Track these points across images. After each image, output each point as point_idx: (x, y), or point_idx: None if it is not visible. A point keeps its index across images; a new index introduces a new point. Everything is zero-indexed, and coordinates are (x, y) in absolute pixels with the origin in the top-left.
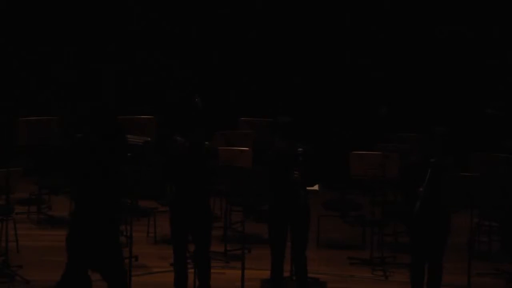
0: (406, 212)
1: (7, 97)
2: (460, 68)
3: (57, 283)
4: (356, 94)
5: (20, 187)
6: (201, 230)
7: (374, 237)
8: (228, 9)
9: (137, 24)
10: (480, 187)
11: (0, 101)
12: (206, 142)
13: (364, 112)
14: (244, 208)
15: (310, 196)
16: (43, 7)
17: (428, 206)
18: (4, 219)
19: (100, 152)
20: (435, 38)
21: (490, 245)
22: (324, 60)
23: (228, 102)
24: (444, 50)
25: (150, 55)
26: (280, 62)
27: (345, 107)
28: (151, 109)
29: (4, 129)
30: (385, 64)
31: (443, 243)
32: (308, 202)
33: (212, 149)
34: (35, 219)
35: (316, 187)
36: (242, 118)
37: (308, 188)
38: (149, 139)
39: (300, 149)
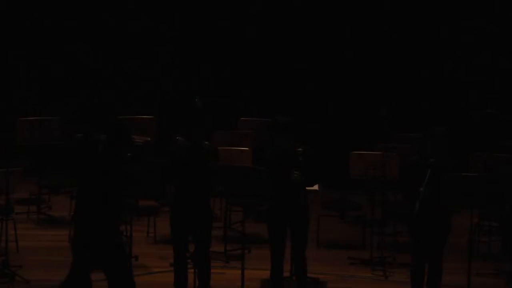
0: (406, 212)
1: (7, 97)
2: (460, 68)
3: (61, 283)
4: (356, 94)
5: (20, 187)
6: (201, 230)
7: (374, 237)
8: (228, 9)
9: (137, 24)
10: (480, 187)
11: (0, 101)
12: (206, 142)
13: (364, 112)
14: (244, 208)
15: (310, 196)
16: (43, 7)
17: (428, 206)
18: (4, 219)
19: (105, 152)
20: (435, 38)
21: (490, 245)
22: (324, 60)
23: (228, 102)
24: (444, 50)
25: (150, 55)
26: (280, 62)
27: (345, 107)
28: (151, 109)
29: (4, 129)
30: (385, 64)
31: (443, 243)
32: (307, 202)
33: (212, 149)
34: (35, 219)
35: (316, 187)
36: (242, 118)
37: (308, 188)
38: (149, 139)
39: (300, 149)
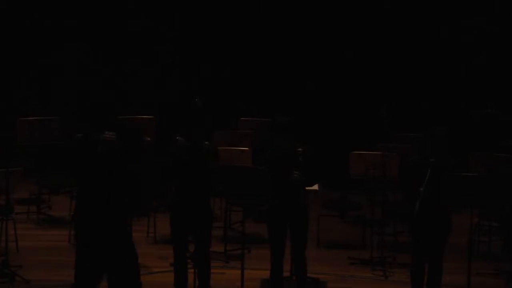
0: (406, 212)
1: (7, 97)
2: (460, 68)
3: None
4: (356, 94)
5: (20, 187)
6: (201, 230)
7: (374, 237)
8: (228, 9)
9: (137, 24)
10: (480, 187)
11: (0, 101)
12: (206, 142)
13: (364, 112)
14: (244, 208)
15: (310, 196)
16: (43, 7)
17: (428, 206)
18: (4, 219)
19: (109, 151)
20: (436, 38)
21: (490, 245)
22: (324, 60)
23: (228, 102)
24: (444, 50)
25: (150, 55)
26: (280, 62)
27: (345, 107)
28: (151, 109)
29: (4, 129)
30: (385, 64)
31: (443, 243)
32: (306, 202)
33: (212, 149)
34: (35, 219)
35: (316, 187)
36: (242, 118)
37: (308, 188)
38: (149, 139)
39: (300, 149)
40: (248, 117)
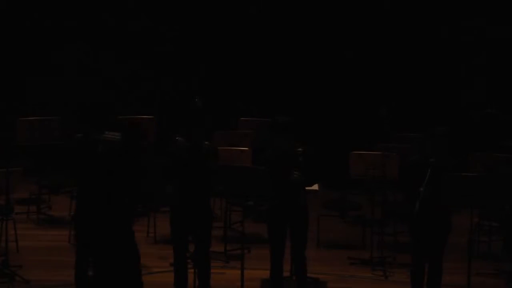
0: (406, 212)
1: (7, 97)
2: (460, 68)
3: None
4: (356, 94)
5: (20, 187)
6: (201, 230)
7: (374, 237)
8: (228, 9)
9: (137, 24)
10: (480, 187)
11: (0, 101)
12: (206, 142)
13: (364, 112)
14: (244, 208)
15: (310, 196)
16: (43, 7)
17: (428, 206)
18: (4, 219)
19: (110, 151)
20: (436, 38)
21: (490, 245)
22: (324, 59)
23: (228, 102)
24: (444, 50)
25: (150, 55)
26: (280, 62)
27: (345, 107)
28: (151, 109)
29: (4, 129)
30: (386, 64)
31: (443, 243)
32: (306, 202)
33: (212, 149)
34: (35, 219)
35: (316, 187)
36: (242, 118)
37: (308, 188)
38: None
39: (300, 149)
40: (248, 117)
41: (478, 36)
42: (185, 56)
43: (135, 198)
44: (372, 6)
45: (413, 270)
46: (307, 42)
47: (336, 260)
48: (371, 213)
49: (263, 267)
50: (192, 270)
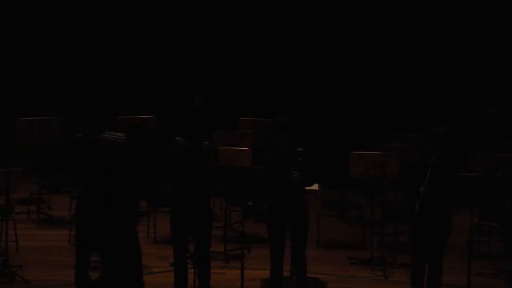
0: (406, 212)
1: (7, 97)
2: (460, 68)
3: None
4: (356, 94)
5: (20, 187)
6: (201, 230)
7: (374, 237)
8: (228, 9)
9: (137, 24)
10: (480, 187)
11: (0, 101)
12: (206, 142)
13: (364, 112)
14: (244, 208)
15: (309, 196)
16: (43, 7)
17: (428, 206)
18: (4, 219)
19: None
20: (436, 38)
21: (490, 245)
22: (324, 59)
23: (228, 102)
24: (444, 50)
25: (150, 55)
26: (280, 62)
27: (345, 107)
28: (151, 109)
29: (4, 129)
30: (385, 64)
31: (443, 243)
32: (306, 202)
33: (212, 149)
34: (35, 219)
35: (316, 187)
36: (242, 118)
37: (308, 188)
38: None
39: (300, 149)
40: (248, 117)
41: (478, 36)
42: (185, 56)
43: (135, 198)
44: (372, 6)
45: (413, 270)
46: (307, 42)
47: (336, 260)
48: (371, 213)
49: (263, 267)
50: (192, 270)
